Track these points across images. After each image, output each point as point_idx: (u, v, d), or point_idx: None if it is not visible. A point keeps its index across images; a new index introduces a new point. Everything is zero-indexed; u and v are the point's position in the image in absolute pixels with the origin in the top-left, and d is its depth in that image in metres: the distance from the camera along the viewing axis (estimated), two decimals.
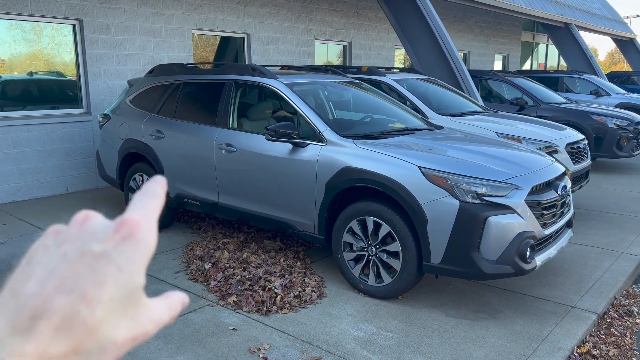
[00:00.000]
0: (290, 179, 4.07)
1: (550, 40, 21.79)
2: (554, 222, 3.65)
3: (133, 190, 5.48)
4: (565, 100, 9.68)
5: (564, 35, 16.04)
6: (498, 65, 18.21)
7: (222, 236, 5.11)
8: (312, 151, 3.97)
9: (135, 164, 5.40)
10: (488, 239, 3.26)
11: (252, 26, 9.31)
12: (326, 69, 5.51)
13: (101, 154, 5.86)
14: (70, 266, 0.33)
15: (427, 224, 3.37)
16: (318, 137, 3.99)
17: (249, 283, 3.86)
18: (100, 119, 5.87)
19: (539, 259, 3.45)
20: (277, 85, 4.39)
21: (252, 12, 9.25)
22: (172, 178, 5.02)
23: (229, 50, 9.28)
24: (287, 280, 3.88)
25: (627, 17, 49.70)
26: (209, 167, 4.65)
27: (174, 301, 0.38)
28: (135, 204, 0.37)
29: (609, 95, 13.09)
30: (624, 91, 13.86)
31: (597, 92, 13.18)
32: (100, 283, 0.32)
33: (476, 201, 3.29)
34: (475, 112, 6.46)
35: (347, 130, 4.10)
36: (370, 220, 3.66)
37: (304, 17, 10.28)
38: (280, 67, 6.05)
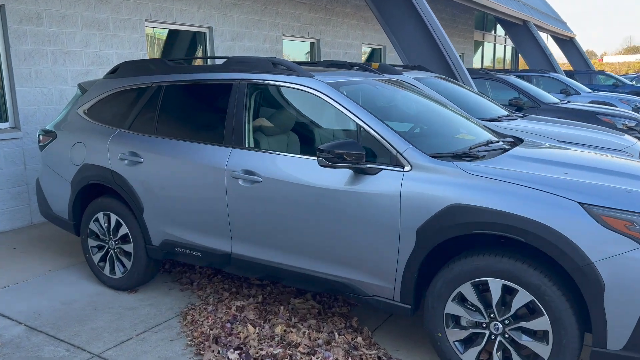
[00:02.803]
0: (354, 221, 2.80)
1: (497, 40, 21.74)
2: None
3: (95, 236, 3.96)
4: (559, 100, 9.02)
5: (522, 34, 15.73)
6: None
7: (230, 296, 3.72)
8: (388, 180, 2.71)
9: (98, 199, 3.89)
10: None
11: (215, 19, 7.87)
12: (350, 64, 4.27)
13: (44, 185, 4.27)
14: None
15: (602, 292, 2.22)
16: (396, 160, 2.75)
17: None
18: (41, 137, 4.28)
19: None
20: (317, 86, 3.10)
21: (214, 2, 7.81)
22: (157, 219, 3.58)
23: (187, 47, 7.78)
24: None
25: None
26: (218, 203, 3.27)
27: None
28: None
29: (578, 94, 12.77)
30: (590, 90, 13.64)
31: (566, 91, 12.82)
32: None
33: None
34: (510, 116, 5.46)
35: (427, 148, 2.87)
36: (495, 284, 2.46)
37: (271, 10, 8.96)
38: None
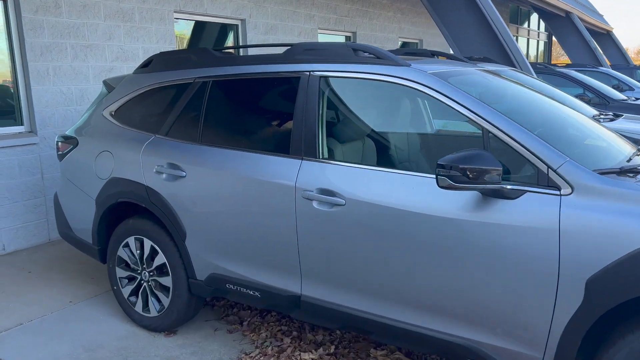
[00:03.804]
0: (483, 263, 2.03)
1: (530, 34, 20.76)
2: None
3: (124, 264, 3.25)
4: (626, 97, 8.14)
5: (564, 26, 14.77)
6: None
7: (292, 342, 2.98)
8: (536, 208, 1.94)
9: (129, 220, 3.18)
10: None
11: (248, 10, 7.15)
12: (432, 52, 3.50)
13: (63, 201, 3.58)
14: None
15: None
16: (546, 179, 1.98)
17: None
18: (60, 144, 3.59)
19: None
20: (419, 77, 2.34)
21: None
22: (203, 248, 2.85)
23: (217, 42, 7.08)
24: None
25: None
26: (284, 231, 2.54)
27: None
28: None
29: (632, 89, 11.82)
30: None
31: (619, 87, 11.85)
32: None
33: None
34: (604, 116, 4.65)
35: (583, 161, 2.09)
36: None
37: (306, 0, 8.22)
38: None
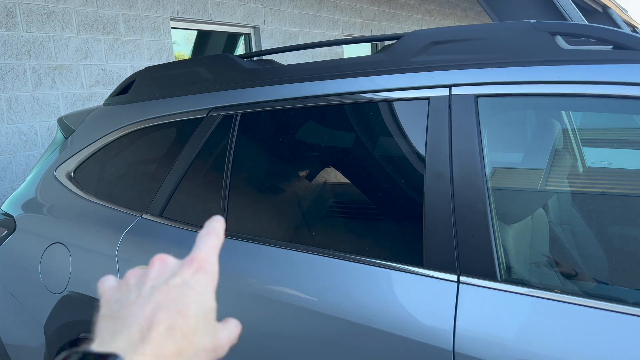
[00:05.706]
0: None
1: None
2: None
3: None
4: None
5: (601, 22, 13.45)
6: None
7: None
8: None
9: None
10: None
11: (262, 15, 5.83)
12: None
13: None
14: (161, 293, 0.40)
15: None
16: None
17: None
18: None
19: None
20: None
21: None
22: None
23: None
24: None
25: None
26: None
27: (232, 326, 0.44)
28: (200, 243, 0.44)
29: None
30: None
31: None
32: (187, 303, 0.40)
33: None
34: None
35: None
36: None
37: (329, 3, 6.90)
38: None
